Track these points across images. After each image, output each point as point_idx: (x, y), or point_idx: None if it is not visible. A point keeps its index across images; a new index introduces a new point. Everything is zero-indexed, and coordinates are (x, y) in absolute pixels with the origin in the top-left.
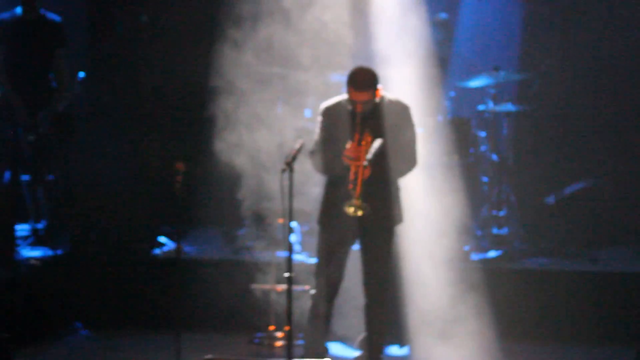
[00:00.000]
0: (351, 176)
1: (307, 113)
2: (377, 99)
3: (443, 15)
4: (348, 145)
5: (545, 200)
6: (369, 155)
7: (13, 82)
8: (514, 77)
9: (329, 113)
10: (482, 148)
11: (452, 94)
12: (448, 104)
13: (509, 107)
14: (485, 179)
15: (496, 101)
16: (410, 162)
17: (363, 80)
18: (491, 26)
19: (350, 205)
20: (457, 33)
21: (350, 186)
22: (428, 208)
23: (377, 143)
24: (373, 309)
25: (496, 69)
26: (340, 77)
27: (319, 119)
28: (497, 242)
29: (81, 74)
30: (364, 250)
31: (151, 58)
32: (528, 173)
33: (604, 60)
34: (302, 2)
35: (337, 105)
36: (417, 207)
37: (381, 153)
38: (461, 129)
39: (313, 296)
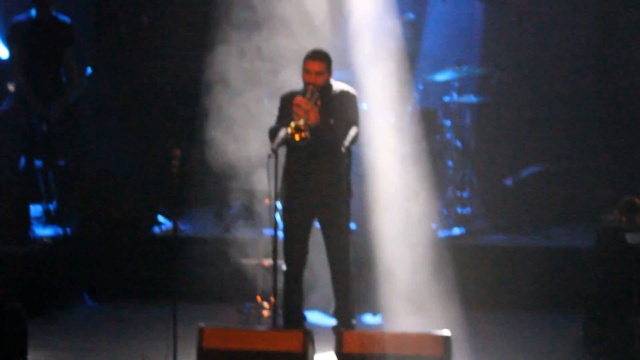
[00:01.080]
0: (300, 114)
1: None
2: (329, 82)
3: (411, 16)
4: (299, 98)
5: (504, 183)
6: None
7: (27, 77)
8: (475, 71)
9: (286, 100)
10: (448, 135)
11: (421, 87)
12: (417, 96)
13: (471, 98)
14: (450, 163)
15: (460, 93)
16: (354, 139)
17: (318, 52)
18: (455, 25)
19: (291, 127)
20: (425, 32)
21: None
22: (399, 190)
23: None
24: (338, 278)
25: (460, 64)
26: None
27: (278, 105)
28: (461, 221)
29: (88, 70)
30: (323, 225)
31: (151, 55)
32: (488, 158)
33: (553, 55)
34: (288, 7)
35: (293, 93)
36: (390, 189)
37: (330, 134)
38: (429, 118)
39: (285, 272)
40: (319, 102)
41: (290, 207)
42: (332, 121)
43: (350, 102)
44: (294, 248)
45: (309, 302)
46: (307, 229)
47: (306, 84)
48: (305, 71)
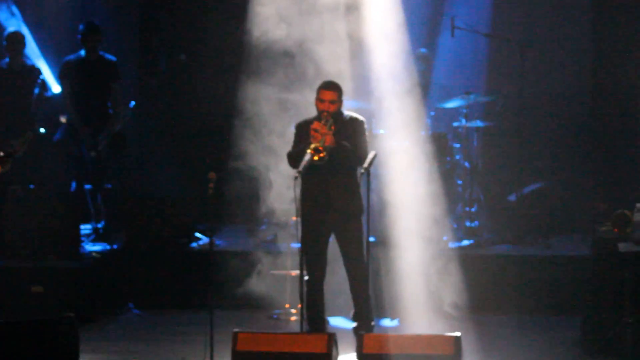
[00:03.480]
0: (317, 138)
1: None
2: (339, 110)
3: (423, 50)
4: (316, 123)
5: (508, 199)
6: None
7: (78, 110)
8: (482, 99)
9: (300, 128)
10: (457, 157)
11: (432, 113)
12: (429, 122)
13: (478, 123)
14: (459, 181)
15: (468, 119)
16: (361, 160)
17: (331, 83)
18: (463, 58)
19: (310, 148)
20: (436, 64)
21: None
22: (414, 205)
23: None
24: (355, 286)
25: (467, 93)
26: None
27: (294, 132)
28: (469, 233)
29: (132, 102)
30: (339, 239)
31: (188, 88)
32: (494, 177)
33: (552, 84)
34: (311, 42)
35: (307, 121)
36: (405, 205)
37: (344, 155)
38: (439, 142)
39: (307, 281)
40: (333, 127)
41: (308, 223)
42: (345, 143)
43: (359, 127)
44: (314, 260)
45: (334, 308)
46: (325, 242)
47: (320, 111)
48: (319, 100)
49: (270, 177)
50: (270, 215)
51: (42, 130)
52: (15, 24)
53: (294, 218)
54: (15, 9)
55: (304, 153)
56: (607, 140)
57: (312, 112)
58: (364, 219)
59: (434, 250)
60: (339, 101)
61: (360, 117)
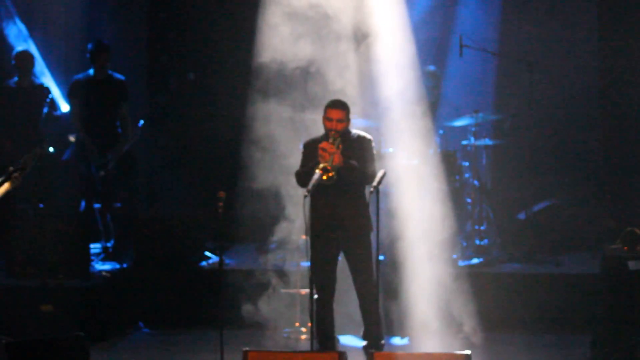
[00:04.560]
0: (326, 157)
1: None
2: (347, 128)
3: (432, 67)
4: (324, 143)
5: (517, 217)
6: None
7: (86, 129)
8: (490, 117)
9: (308, 146)
10: (466, 175)
11: (441, 131)
12: (438, 140)
13: (487, 141)
14: (468, 200)
15: (476, 137)
16: (369, 179)
17: (338, 101)
18: (472, 77)
19: (319, 168)
20: (444, 83)
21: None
22: (423, 224)
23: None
24: (365, 305)
25: (476, 111)
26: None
27: (302, 151)
28: (479, 251)
29: (141, 122)
30: (348, 256)
31: (197, 107)
32: (503, 195)
33: (561, 102)
34: (321, 61)
35: (315, 140)
36: (415, 224)
37: (352, 173)
38: (449, 160)
39: (316, 300)
40: (340, 146)
41: (317, 241)
42: (353, 162)
43: (367, 145)
44: (323, 278)
45: (344, 326)
46: (334, 261)
47: (328, 130)
48: (327, 119)
49: (280, 196)
50: (280, 234)
51: (51, 149)
52: (24, 42)
53: (304, 237)
54: (23, 28)
55: (312, 172)
56: (617, 158)
57: (322, 130)
58: (373, 237)
59: (443, 268)
60: (346, 120)
61: (368, 136)
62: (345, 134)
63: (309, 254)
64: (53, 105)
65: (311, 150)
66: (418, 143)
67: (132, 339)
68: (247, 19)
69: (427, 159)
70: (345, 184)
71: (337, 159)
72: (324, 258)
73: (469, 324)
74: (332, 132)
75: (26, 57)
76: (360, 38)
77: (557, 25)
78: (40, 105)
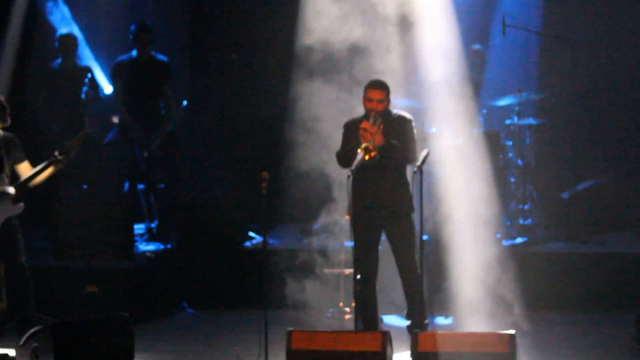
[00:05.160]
0: (367, 137)
1: None
2: (387, 108)
3: (477, 46)
4: (365, 122)
5: (561, 196)
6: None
7: (130, 110)
8: (534, 96)
9: (349, 127)
10: (510, 154)
11: (485, 111)
12: (481, 120)
13: (530, 121)
14: (512, 179)
15: (520, 116)
16: (410, 158)
17: (378, 82)
18: (515, 56)
19: (361, 148)
20: (488, 62)
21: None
22: (467, 204)
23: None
24: (408, 285)
25: (520, 90)
26: (396, 101)
27: (343, 131)
28: (523, 231)
29: (184, 102)
30: (390, 237)
31: (239, 87)
32: (547, 174)
33: (604, 81)
34: (363, 40)
35: (356, 121)
36: (458, 204)
37: (393, 153)
38: (492, 140)
39: (359, 280)
40: (381, 126)
41: (359, 221)
42: (394, 142)
43: (407, 125)
44: (366, 258)
45: (388, 306)
46: (376, 240)
47: (368, 110)
48: (367, 99)
49: (324, 177)
50: (324, 215)
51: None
52: (67, 25)
53: (347, 216)
54: (67, 11)
55: (353, 153)
56: None
57: (363, 109)
58: (416, 217)
59: (487, 248)
60: (386, 100)
61: (408, 115)
62: (385, 114)
63: (352, 234)
64: (95, 86)
65: (352, 130)
66: (462, 123)
67: (176, 319)
68: None
69: (471, 139)
70: (386, 164)
71: (379, 139)
72: (366, 238)
73: (515, 306)
74: (373, 113)
75: (70, 39)
76: (407, 25)
77: (601, 4)
78: (82, 86)
